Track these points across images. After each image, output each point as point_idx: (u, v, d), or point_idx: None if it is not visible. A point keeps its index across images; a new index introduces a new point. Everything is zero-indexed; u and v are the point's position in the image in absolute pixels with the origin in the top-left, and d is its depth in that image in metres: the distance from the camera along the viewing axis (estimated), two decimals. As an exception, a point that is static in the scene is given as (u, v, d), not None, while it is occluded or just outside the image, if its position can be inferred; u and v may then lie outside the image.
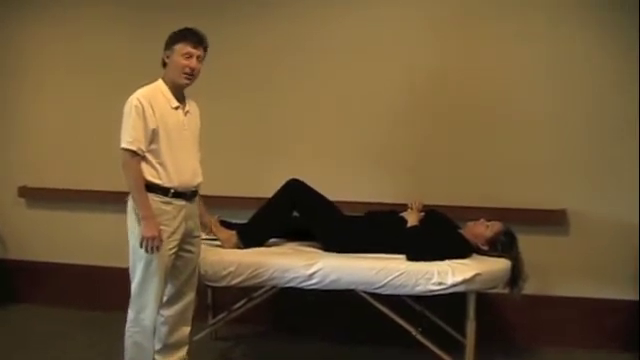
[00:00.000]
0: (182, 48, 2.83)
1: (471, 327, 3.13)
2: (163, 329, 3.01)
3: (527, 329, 3.82)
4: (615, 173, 3.69)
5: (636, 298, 3.64)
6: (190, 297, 3.06)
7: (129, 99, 2.80)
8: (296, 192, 3.43)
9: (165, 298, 2.98)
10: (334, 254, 3.25)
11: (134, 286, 2.88)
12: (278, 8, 4.10)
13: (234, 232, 3.41)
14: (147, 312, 2.86)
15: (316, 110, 4.09)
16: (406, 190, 3.85)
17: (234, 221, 3.54)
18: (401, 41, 3.93)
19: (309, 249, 3.39)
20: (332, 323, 3.93)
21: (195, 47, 2.85)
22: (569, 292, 3.77)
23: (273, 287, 3.28)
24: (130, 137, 2.75)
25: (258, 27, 4.10)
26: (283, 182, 3.46)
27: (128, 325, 2.91)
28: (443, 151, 3.92)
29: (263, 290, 3.44)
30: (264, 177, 3.92)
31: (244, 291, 3.55)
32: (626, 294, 3.68)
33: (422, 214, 3.46)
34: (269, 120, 4.16)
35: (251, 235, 3.40)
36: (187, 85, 2.90)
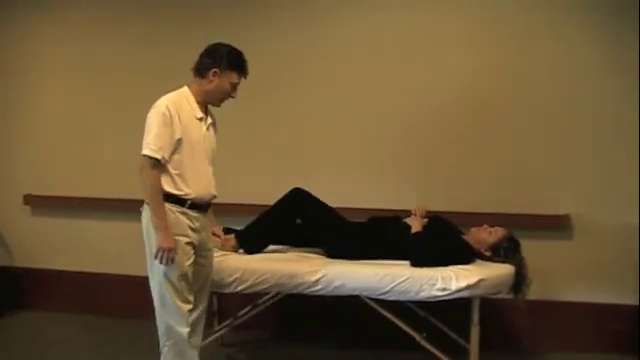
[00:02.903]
0: (235, 77, 2.85)
1: (475, 332, 3.14)
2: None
3: (531, 334, 3.82)
4: (619, 178, 3.69)
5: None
6: (202, 309, 3.02)
7: (156, 104, 2.74)
8: (300, 200, 3.44)
9: None
10: (339, 260, 3.27)
11: (157, 300, 2.82)
12: (284, 13, 4.10)
13: (231, 236, 3.42)
14: (177, 320, 2.81)
15: (320, 117, 4.10)
16: (409, 196, 3.86)
17: (237, 228, 3.53)
18: (406, 46, 3.93)
19: (314, 255, 3.40)
20: (337, 329, 3.93)
21: (242, 78, 2.89)
22: (573, 297, 3.77)
23: (278, 293, 3.29)
24: (155, 145, 2.68)
25: (264, 33, 4.09)
26: (286, 189, 3.47)
27: (162, 340, 2.85)
28: (446, 157, 3.93)
29: (268, 296, 3.45)
30: (267, 184, 3.93)
31: (249, 297, 3.56)
32: (630, 299, 3.68)
33: (425, 220, 3.47)
34: (273, 126, 4.16)
35: (250, 240, 3.41)
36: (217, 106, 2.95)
